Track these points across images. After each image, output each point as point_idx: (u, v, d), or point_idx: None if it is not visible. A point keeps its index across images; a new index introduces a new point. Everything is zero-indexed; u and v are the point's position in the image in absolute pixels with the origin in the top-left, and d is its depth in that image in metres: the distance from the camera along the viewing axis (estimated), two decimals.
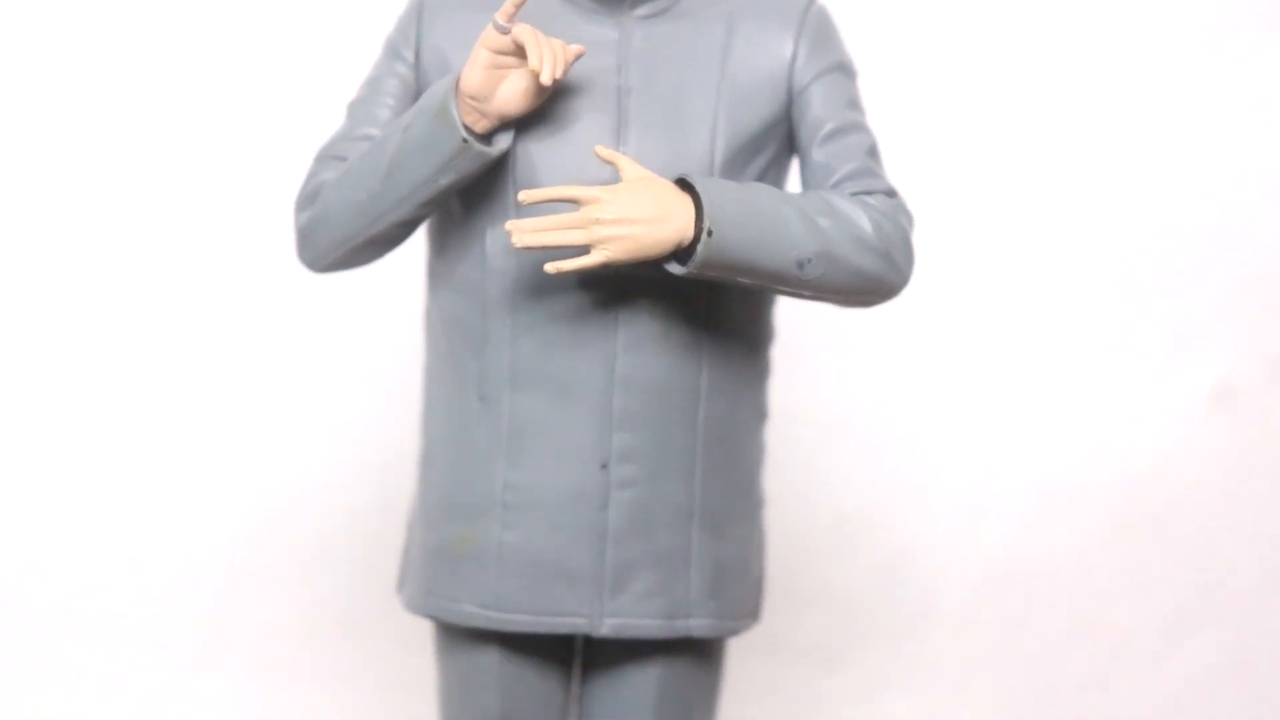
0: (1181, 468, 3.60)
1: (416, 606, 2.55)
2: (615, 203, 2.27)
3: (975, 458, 3.59)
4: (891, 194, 2.43)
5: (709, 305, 2.46)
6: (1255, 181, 3.62)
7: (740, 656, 3.59)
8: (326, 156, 2.50)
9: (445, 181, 2.37)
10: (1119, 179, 3.63)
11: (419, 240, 2.59)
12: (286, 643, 3.60)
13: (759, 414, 2.56)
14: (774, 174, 2.47)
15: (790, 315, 3.55)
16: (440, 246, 2.53)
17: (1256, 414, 3.60)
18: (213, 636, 3.58)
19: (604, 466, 2.45)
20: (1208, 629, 3.63)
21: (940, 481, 3.60)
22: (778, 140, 2.46)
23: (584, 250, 2.33)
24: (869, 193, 2.42)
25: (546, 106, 2.39)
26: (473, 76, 2.32)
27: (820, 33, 2.46)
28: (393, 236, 2.47)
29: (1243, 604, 3.63)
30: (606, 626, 2.46)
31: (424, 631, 3.36)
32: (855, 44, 2.55)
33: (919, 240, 3.52)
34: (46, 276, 3.55)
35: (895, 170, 2.76)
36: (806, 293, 2.37)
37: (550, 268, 2.30)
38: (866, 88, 2.49)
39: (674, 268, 2.32)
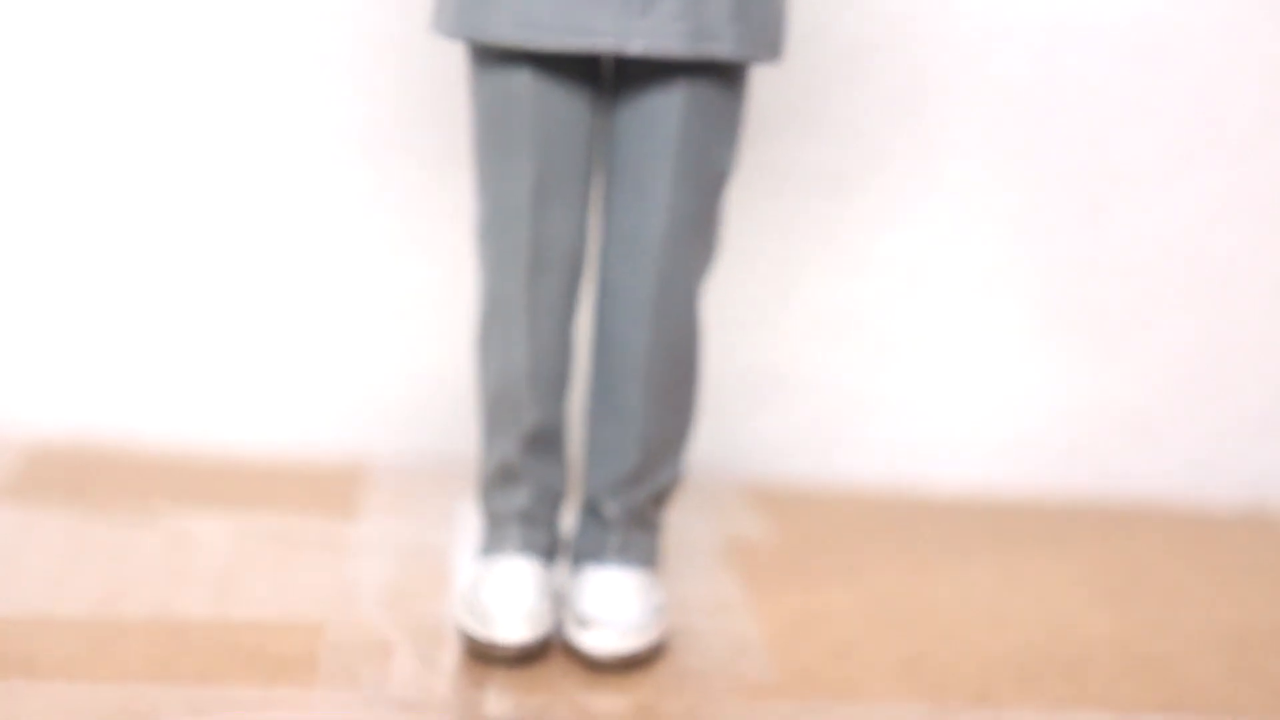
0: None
1: (451, 30, 2.62)
2: None
3: None
4: None
5: None
6: None
7: (751, 186, 3.69)
8: None
9: None
10: None
11: None
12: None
13: None
14: None
15: None
16: None
17: None
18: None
19: None
20: (1210, 161, 3.72)
21: (953, 11, 3.66)
22: None
23: None
24: None
25: None
26: None
27: None
28: None
29: (1245, 137, 3.72)
30: (634, 45, 2.54)
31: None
32: None
33: None
34: None
35: None
36: None
37: None
38: None
39: None
